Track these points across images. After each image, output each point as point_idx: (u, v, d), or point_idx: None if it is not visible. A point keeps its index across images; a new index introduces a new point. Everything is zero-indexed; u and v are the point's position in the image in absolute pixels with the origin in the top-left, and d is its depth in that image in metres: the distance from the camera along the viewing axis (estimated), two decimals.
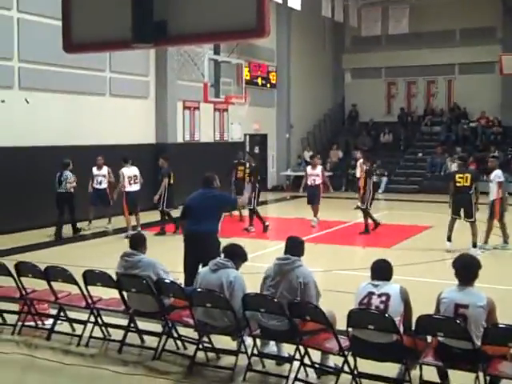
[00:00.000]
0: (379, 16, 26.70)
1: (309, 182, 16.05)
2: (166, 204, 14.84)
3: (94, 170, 15.48)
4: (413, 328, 5.57)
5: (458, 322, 5.28)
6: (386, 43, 28.57)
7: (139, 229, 14.07)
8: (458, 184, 12.37)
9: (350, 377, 5.77)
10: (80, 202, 14.99)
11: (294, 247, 6.45)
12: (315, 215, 16.02)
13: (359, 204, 15.26)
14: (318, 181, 15.98)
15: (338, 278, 10.38)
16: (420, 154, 26.76)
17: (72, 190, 14.28)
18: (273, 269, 6.38)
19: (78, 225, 14.84)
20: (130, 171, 14.41)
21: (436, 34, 27.26)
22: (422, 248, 13.10)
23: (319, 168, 16.15)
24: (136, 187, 14.53)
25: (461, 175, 12.47)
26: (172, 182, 15.04)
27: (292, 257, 6.31)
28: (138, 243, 7.18)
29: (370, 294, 5.73)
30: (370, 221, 14.92)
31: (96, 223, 15.66)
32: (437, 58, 27.41)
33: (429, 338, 5.76)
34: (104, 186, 15.47)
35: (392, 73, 29.38)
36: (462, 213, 12.47)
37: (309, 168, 16.42)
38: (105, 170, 15.49)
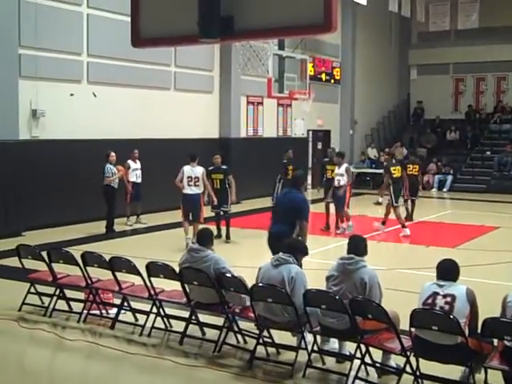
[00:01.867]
0: (448, 10, 26.13)
1: (335, 183, 14.19)
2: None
3: (132, 164, 15.16)
4: (479, 331, 5.44)
5: None
6: (454, 38, 27.94)
7: (193, 241, 11.19)
8: None
9: (411, 378, 5.67)
10: (148, 195, 15.21)
11: (358, 247, 6.36)
12: (341, 222, 14.38)
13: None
14: (343, 182, 14.09)
15: (400, 277, 10.22)
16: (488, 153, 26.05)
17: (109, 183, 13.98)
18: (336, 268, 6.31)
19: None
20: (192, 171, 12.60)
21: (506, 29, 26.45)
22: (488, 249, 12.77)
23: (343, 167, 14.16)
24: (196, 190, 12.55)
25: None
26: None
27: (356, 257, 6.23)
28: (205, 239, 7.21)
29: (435, 294, 5.61)
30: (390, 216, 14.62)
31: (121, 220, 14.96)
32: (507, 53, 26.63)
33: (495, 342, 5.61)
34: (140, 180, 15.25)
35: (460, 69, 28.70)
36: None
37: (336, 167, 14.36)
38: (139, 163, 15.22)
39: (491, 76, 28.37)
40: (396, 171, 14.60)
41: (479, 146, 26.76)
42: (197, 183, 12.55)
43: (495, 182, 24.07)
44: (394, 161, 15.29)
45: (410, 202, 16.20)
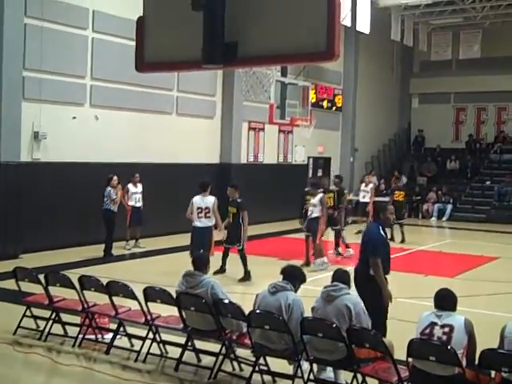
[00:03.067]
0: (450, 40, 26.40)
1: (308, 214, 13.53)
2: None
3: (131, 188, 15.06)
4: (476, 362, 5.39)
5: None
6: (456, 68, 28.16)
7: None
8: None
9: None
10: (147, 219, 15.19)
11: (340, 277, 6.43)
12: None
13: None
14: (316, 213, 13.32)
15: (397, 306, 10.13)
16: (488, 182, 26.09)
17: (111, 207, 13.93)
18: (320, 297, 6.35)
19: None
20: (202, 201, 11.58)
21: (509, 60, 26.64)
22: (487, 279, 12.71)
23: (318, 197, 13.44)
24: (206, 222, 11.55)
25: None
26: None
27: (340, 284, 6.28)
28: (201, 264, 7.17)
29: (433, 324, 5.58)
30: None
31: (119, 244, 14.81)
32: (508, 84, 26.78)
33: (492, 373, 5.55)
34: (140, 204, 15.16)
35: (461, 98, 28.87)
36: None
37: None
38: (140, 187, 15.17)
39: (492, 106, 28.52)
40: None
41: (479, 175, 26.80)
42: (207, 215, 11.48)
43: (495, 212, 24.06)
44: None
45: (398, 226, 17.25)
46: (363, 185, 19.36)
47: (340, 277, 6.42)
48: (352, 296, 6.27)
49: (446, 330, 5.50)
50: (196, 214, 11.52)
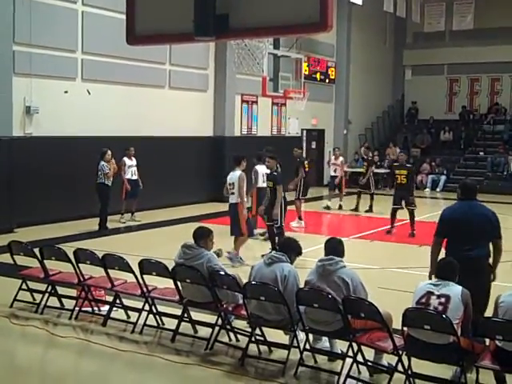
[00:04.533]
0: (443, 11, 26.26)
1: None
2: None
3: (127, 161, 15.05)
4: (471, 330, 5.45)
5: None
6: (449, 39, 28.04)
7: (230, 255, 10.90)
8: None
9: (403, 377, 5.68)
10: (142, 193, 15.24)
11: (336, 249, 6.35)
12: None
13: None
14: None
15: (393, 276, 10.23)
16: (481, 153, 26.14)
17: (105, 181, 13.91)
18: (316, 270, 6.30)
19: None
20: (230, 176, 11.01)
21: (501, 31, 26.53)
22: None
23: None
24: (232, 199, 10.96)
25: None
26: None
27: (336, 257, 6.22)
28: (199, 237, 7.15)
29: (429, 293, 5.61)
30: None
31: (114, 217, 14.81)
32: (502, 55, 26.71)
33: (487, 341, 5.63)
34: (136, 176, 15.15)
35: (454, 70, 28.79)
36: None
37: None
38: (135, 160, 15.11)
39: (485, 77, 28.46)
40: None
41: (473, 146, 26.85)
42: (232, 191, 10.85)
43: (488, 183, 24.11)
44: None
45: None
46: (333, 158, 18.77)
47: (335, 248, 6.36)
48: (348, 269, 6.22)
49: (443, 300, 5.51)
50: (229, 190, 10.96)
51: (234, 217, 10.92)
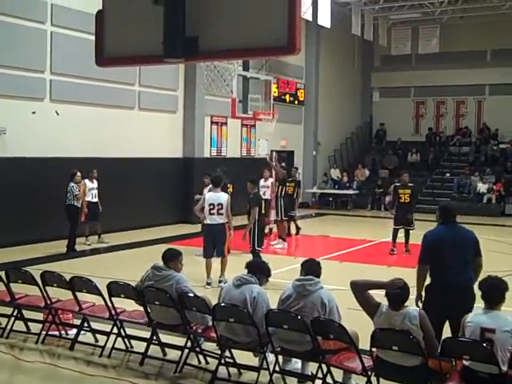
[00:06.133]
0: (409, 35, 26.78)
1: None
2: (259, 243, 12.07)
3: (88, 183, 14.83)
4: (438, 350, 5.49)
5: (484, 345, 5.19)
6: (416, 62, 28.54)
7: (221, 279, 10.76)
8: None
9: None
10: (110, 214, 15.09)
11: (313, 269, 6.39)
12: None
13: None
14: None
15: None
16: (448, 175, 26.54)
17: (74, 202, 13.85)
18: (294, 289, 6.30)
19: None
20: (215, 197, 10.87)
21: (466, 54, 27.13)
22: None
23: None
24: (218, 219, 10.77)
25: None
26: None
27: (315, 278, 6.26)
28: (169, 259, 7.10)
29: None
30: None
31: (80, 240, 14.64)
32: (467, 78, 27.29)
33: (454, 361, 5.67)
34: (96, 199, 14.98)
35: (421, 92, 29.29)
36: None
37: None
38: (96, 183, 14.98)
39: (451, 100, 28.99)
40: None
41: (439, 167, 27.24)
42: (220, 211, 10.73)
43: (454, 204, 24.45)
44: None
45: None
46: (262, 180, 16.04)
47: (313, 269, 6.38)
48: (326, 291, 6.26)
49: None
50: (208, 211, 10.79)
51: (222, 237, 10.83)
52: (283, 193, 15.85)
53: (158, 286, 6.87)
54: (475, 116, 28.61)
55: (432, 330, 5.59)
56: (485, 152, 26.84)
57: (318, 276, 6.35)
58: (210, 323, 6.60)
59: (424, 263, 6.69)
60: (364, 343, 5.88)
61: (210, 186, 11.64)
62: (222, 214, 10.75)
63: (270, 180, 16.15)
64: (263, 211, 11.82)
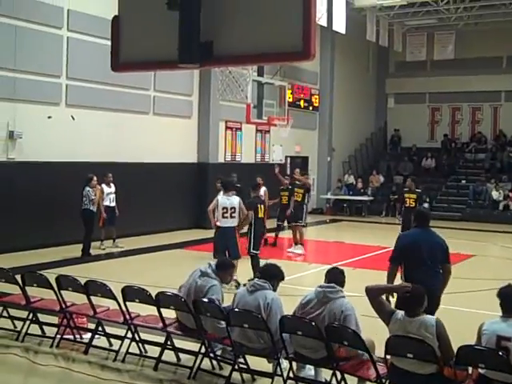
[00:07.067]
0: (424, 41, 26.67)
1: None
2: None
3: (105, 188, 14.90)
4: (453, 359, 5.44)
5: (500, 354, 5.13)
6: (431, 68, 28.42)
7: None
8: None
9: None
10: (125, 219, 15.15)
11: (337, 278, 6.35)
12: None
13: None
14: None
15: None
16: (463, 181, 26.38)
17: (90, 207, 13.91)
18: (316, 295, 6.26)
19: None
20: (228, 201, 11.18)
21: (482, 60, 26.95)
22: (463, 277, 12.81)
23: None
24: (231, 223, 11.10)
25: None
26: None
27: (337, 286, 6.23)
28: (221, 267, 7.12)
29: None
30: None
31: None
32: (482, 84, 27.12)
33: (470, 370, 5.61)
34: (114, 204, 15.03)
35: (436, 98, 29.15)
36: None
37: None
38: (113, 187, 15.06)
39: (466, 106, 28.83)
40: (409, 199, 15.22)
41: (455, 174, 27.08)
42: (233, 215, 11.09)
43: (470, 211, 24.32)
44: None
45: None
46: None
47: (336, 277, 6.34)
48: (347, 301, 6.20)
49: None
50: (221, 214, 11.09)
51: (234, 240, 11.07)
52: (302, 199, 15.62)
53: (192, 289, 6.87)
54: (491, 122, 28.42)
55: (448, 338, 5.54)
56: (501, 159, 26.65)
57: (342, 285, 6.30)
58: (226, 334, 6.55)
59: (393, 263, 7.12)
60: (380, 351, 5.84)
61: (222, 190, 11.91)
62: (234, 218, 11.12)
63: (263, 188, 15.11)
64: (261, 215, 11.84)
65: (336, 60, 26.04)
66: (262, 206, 12.02)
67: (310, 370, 6.53)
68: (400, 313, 5.66)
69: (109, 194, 14.99)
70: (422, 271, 6.82)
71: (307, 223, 16.21)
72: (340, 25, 24.10)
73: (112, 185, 15.10)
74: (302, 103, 24.30)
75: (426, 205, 24.51)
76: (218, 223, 11.18)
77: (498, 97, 27.81)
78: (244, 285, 8.35)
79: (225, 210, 11.06)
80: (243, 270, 10.97)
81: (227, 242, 11.05)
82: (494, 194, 24.05)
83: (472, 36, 26.67)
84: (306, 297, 6.38)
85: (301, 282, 11.42)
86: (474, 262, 14.79)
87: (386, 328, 5.80)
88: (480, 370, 5.35)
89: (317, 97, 25.44)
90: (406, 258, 6.99)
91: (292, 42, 4.75)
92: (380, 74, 30.18)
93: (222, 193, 11.85)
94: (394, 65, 29.99)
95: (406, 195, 15.41)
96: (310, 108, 25.05)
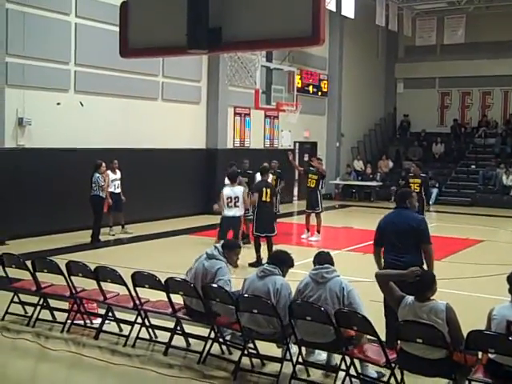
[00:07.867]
0: (434, 25, 26.44)
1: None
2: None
3: (111, 174, 14.84)
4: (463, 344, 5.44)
5: (510, 339, 5.13)
6: (441, 53, 28.20)
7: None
8: None
9: None
10: (134, 205, 15.17)
11: (327, 258, 6.42)
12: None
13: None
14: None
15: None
16: (473, 166, 26.24)
17: (99, 193, 13.96)
18: (312, 278, 6.30)
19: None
20: (232, 191, 11.72)
21: (492, 45, 26.72)
22: (473, 262, 12.83)
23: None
24: (236, 212, 11.60)
25: None
26: None
27: (331, 266, 6.30)
28: (227, 247, 7.23)
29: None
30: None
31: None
32: (493, 68, 26.89)
33: (479, 354, 5.62)
34: (119, 190, 15.02)
35: (446, 83, 28.95)
36: None
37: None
38: (119, 173, 15.03)
39: (476, 91, 28.62)
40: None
41: (464, 159, 26.95)
42: (237, 204, 11.59)
43: (480, 196, 24.23)
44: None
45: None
46: (258, 174, 14.37)
47: (327, 259, 6.40)
48: (343, 278, 6.27)
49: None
50: (226, 204, 11.62)
51: (239, 225, 11.72)
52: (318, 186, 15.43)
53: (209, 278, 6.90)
54: (501, 107, 28.23)
55: (458, 323, 5.54)
56: (511, 144, 26.49)
57: (332, 265, 6.37)
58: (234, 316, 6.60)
59: (375, 245, 7.19)
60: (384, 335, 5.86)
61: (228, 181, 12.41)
62: (238, 207, 11.65)
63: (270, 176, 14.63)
64: (265, 199, 12.11)
65: (345, 45, 25.89)
66: (268, 190, 12.13)
67: (319, 355, 6.57)
68: (410, 298, 5.67)
69: (114, 181, 14.98)
70: (393, 253, 6.89)
71: (323, 209, 15.99)
72: (349, 9, 23.92)
73: (118, 171, 15.10)
74: (310, 89, 24.20)
75: (434, 190, 24.54)
76: (224, 212, 11.66)
77: (509, 81, 27.55)
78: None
79: (229, 200, 11.60)
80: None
81: (232, 228, 11.58)
82: (504, 179, 23.93)
83: (482, 20, 26.42)
84: (301, 282, 6.42)
85: (308, 267, 11.41)
86: (483, 247, 14.77)
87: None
88: (490, 355, 5.36)
89: (326, 82, 25.33)
90: (383, 241, 7.07)
91: (301, 27, 4.73)
92: (389, 58, 29.99)
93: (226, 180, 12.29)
94: (404, 49, 29.78)
95: (411, 180, 15.01)
96: (319, 93, 24.96)
